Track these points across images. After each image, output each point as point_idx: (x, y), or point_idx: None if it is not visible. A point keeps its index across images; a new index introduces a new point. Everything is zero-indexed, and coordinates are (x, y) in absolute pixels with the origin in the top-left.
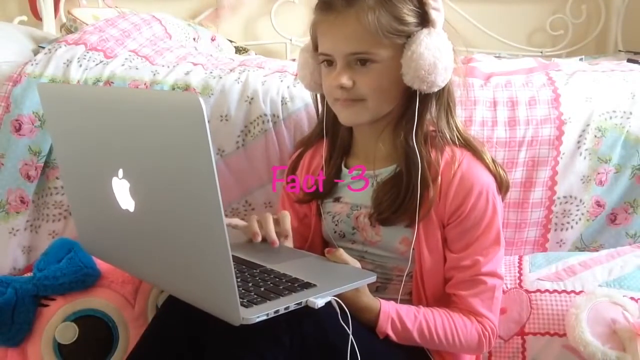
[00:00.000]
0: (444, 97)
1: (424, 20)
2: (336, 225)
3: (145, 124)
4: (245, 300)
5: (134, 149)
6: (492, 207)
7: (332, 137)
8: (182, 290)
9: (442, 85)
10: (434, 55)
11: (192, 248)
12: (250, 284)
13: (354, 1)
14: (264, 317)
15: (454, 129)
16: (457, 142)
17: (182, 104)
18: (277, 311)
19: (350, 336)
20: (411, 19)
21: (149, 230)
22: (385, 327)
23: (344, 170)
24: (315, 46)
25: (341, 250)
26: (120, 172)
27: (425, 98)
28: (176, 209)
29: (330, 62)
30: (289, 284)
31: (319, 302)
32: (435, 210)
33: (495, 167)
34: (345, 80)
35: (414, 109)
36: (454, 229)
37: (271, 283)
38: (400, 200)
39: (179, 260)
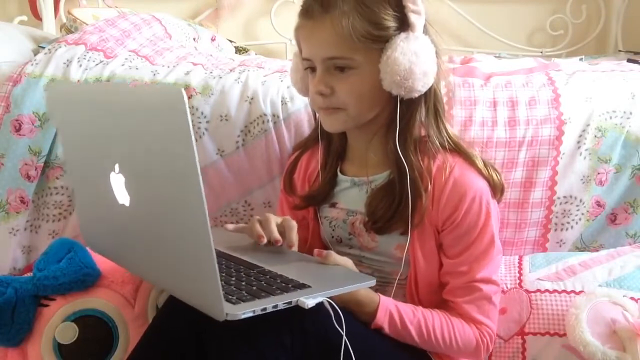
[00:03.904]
0: (430, 102)
1: (404, 24)
2: (333, 230)
3: (135, 119)
4: (234, 297)
5: (127, 144)
6: (485, 213)
7: (327, 142)
8: (171, 286)
9: (422, 90)
10: (410, 60)
11: (177, 243)
12: (243, 282)
13: (330, 7)
14: (250, 314)
15: (444, 134)
16: (447, 147)
17: (164, 98)
18: (264, 309)
19: (344, 337)
20: (389, 23)
21: (142, 225)
22: (383, 320)
23: (340, 175)
24: (300, 52)
25: (333, 254)
26: (117, 167)
27: (411, 103)
28: (163, 204)
29: (313, 69)
30: (283, 284)
31: (310, 302)
32: (429, 217)
33: (488, 170)
34: (323, 87)
35: (401, 116)
36: (449, 234)
37: (265, 282)
38: (393, 209)
39: (168, 256)
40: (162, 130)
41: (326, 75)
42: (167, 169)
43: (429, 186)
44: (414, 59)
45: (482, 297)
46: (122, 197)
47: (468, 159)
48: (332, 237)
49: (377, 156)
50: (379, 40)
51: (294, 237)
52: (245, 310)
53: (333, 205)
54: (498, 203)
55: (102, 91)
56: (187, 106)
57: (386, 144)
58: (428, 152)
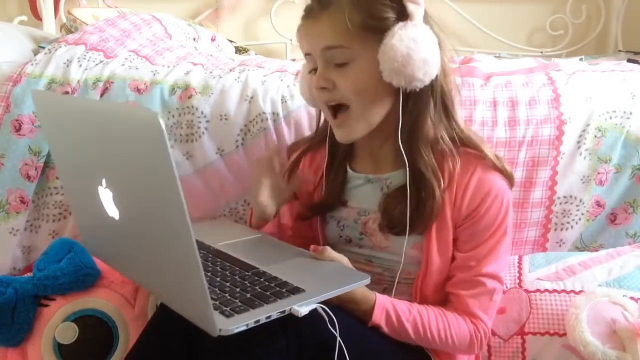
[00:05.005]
0: (437, 97)
1: (402, 14)
2: (342, 230)
3: (117, 139)
4: (227, 309)
5: (111, 161)
6: (504, 211)
7: (332, 147)
8: (167, 300)
9: (424, 79)
10: (407, 46)
11: (166, 263)
12: (238, 289)
13: (328, 4)
14: (243, 328)
15: (457, 130)
16: (459, 144)
17: (142, 123)
18: (257, 321)
19: (338, 339)
20: (387, 14)
21: (132, 239)
22: (379, 318)
23: (350, 172)
24: (303, 52)
25: (328, 250)
26: (104, 182)
27: (419, 100)
28: (149, 224)
29: (316, 70)
30: (278, 288)
31: (303, 310)
32: (451, 215)
33: (501, 162)
34: (323, 81)
35: (409, 112)
36: (466, 230)
37: (259, 288)
38: (411, 213)
39: (159, 272)
40: (143, 154)
41: (326, 70)
42: (150, 191)
43: (443, 184)
44: (412, 45)
45: (486, 292)
46: (111, 210)
47: (482, 155)
48: (340, 236)
49: (390, 154)
50: (377, 31)
51: (276, 162)
52: (239, 325)
53: (343, 203)
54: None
55: (86, 107)
56: (164, 133)
57: (399, 149)
58: (442, 151)
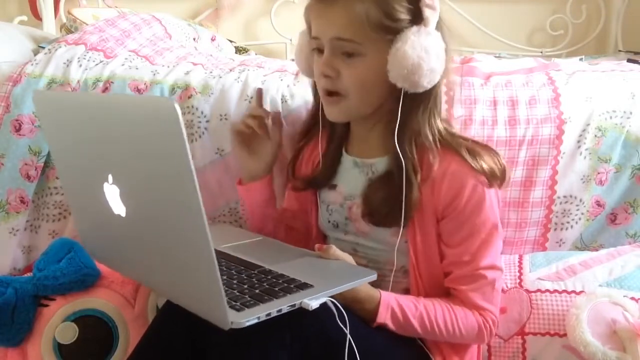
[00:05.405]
0: (431, 99)
1: (417, 17)
2: (330, 214)
3: (127, 130)
4: (238, 303)
5: (120, 155)
6: (488, 204)
7: (330, 130)
8: (174, 295)
9: (427, 86)
10: (419, 55)
11: (179, 255)
12: (245, 286)
13: None
14: (255, 321)
15: (436, 129)
16: (440, 141)
17: (157, 110)
18: (269, 314)
19: (348, 336)
20: (403, 15)
21: (140, 237)
22: (385, 316)
23: (344, 154)
24: (309, 31)
25: (333, 248)
26: (110, 178)
27: (416, 98)
28: (161, 215)
29: (320, 50)
30: (286, 284)
31: (313, 303)
32: (428, 207)
33: (478, 163)
34: (329, 70)
35: (403, 109)
36: (450, 222)
37: (267, 284)
38: (390, 204)
39: (169, 267)
40: (156, 143)
41: (333, 58)
42: (163, 181)
43: (423, 178)
44: (423, 55)
45: (487, 283)
46: (117, 207)
47: (458, 155)
48: (329, 221)
49: (378, 142)
50: (390, 32)
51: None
52: (250, 318)
53: (332, 187)
54: (502, 187)
55: (91, 102)
56: (181, 118)
57: (386, 136)
58: (424, 147)
